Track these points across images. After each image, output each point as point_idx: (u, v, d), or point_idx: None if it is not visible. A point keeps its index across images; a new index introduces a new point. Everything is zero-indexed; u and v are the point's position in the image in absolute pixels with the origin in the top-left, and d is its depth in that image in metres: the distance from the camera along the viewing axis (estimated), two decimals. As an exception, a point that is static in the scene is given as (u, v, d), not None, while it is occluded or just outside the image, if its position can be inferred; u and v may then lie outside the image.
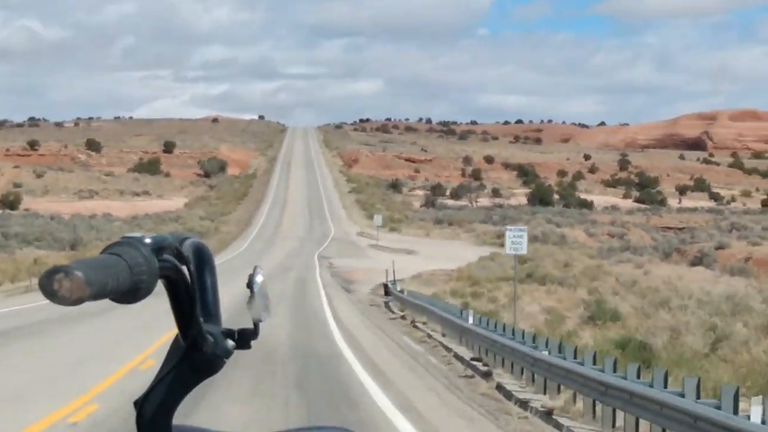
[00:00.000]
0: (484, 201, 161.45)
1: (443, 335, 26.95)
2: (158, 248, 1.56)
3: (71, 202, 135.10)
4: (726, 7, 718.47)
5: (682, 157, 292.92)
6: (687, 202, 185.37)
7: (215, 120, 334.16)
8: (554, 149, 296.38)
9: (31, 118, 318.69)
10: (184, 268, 1.64)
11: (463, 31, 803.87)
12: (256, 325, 1.73)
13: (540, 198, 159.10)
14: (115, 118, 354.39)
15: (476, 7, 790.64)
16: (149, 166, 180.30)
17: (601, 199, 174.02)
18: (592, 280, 43.32)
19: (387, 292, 42.11)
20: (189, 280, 1.65)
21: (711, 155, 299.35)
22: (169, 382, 1.66)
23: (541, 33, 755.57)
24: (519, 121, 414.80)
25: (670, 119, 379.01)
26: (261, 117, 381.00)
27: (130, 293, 1.49)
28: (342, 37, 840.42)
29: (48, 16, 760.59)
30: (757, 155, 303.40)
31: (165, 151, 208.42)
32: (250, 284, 1.73)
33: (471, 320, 23.87)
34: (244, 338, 1.73)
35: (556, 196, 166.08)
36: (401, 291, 39.66)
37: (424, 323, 30.60)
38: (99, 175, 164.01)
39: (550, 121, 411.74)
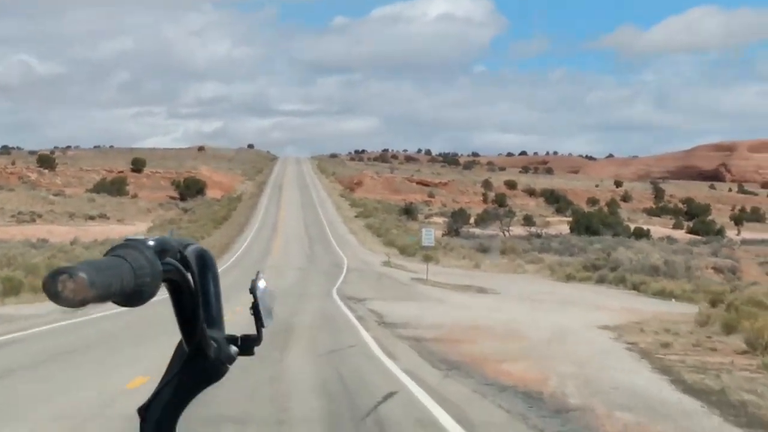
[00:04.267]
0: (517, 229, 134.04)
1: None
2: (161, 251, 1.54)
3: (5, 227, 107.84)
4: (723, 44, 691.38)
5: (712, 187, 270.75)
6: (745, 234, 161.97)
7: (201, 148, 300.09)
8: (571, 179, 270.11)
9: (4, 147, 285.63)
10: (188, 274, 1.62)
11: (460, 68, 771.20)
12: (259, 331, 1.71)
13: (586, 226, 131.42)
14: (94, 147, 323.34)
15: (474, 44, 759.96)
16: (112, 187, 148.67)
17: (651, 228, 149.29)
18: None
19: None
20: (192, 285, 1.62)
21: (741, 186, 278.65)
22: (173, 389, 1.64)
23: (538, 70, 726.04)
24: (523, 153, 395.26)
25: (686, 150, 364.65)
26: (251, 146, 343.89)
27: (133, 296, 1.46)
28: (338, 74, 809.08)
29: (44, 52, 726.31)
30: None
31: (134, 170, 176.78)
32: (252, 289, 1.72)
33: None
34: (248, 345, 1.71)
35: (600, 225, 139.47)
36: None
37: None
38: (46, 195, 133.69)
39: (555, 153, 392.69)
